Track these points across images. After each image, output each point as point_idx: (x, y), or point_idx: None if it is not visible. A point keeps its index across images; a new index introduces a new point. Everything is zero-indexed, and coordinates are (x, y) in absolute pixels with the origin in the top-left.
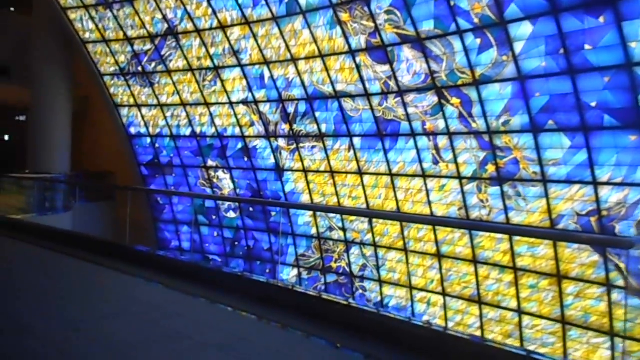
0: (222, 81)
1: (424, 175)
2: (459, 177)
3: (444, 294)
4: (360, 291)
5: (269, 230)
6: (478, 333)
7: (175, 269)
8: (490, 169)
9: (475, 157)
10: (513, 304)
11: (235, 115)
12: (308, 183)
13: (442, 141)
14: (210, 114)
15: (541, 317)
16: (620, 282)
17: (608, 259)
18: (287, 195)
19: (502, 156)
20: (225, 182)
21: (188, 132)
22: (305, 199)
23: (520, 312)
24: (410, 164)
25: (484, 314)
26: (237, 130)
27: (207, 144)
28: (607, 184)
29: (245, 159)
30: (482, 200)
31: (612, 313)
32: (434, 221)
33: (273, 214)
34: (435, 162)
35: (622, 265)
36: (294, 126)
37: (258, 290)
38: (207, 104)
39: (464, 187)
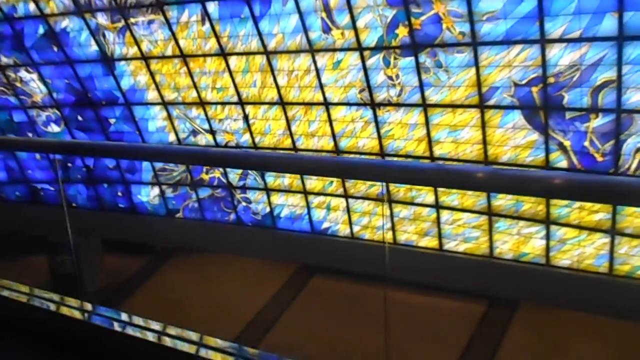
0: None
1: (312, 50)
2: (360, 49)
3: (345, 195)
4: (244, 203)
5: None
6: (389, 235)
7: None
8: (402, 33)
9: (381, 17)
10: (429, 198)
11: None
12: (152, 74)
13: None
14: None
15: (463, 210)
16: (563, 163)
17: (550, 137)
18: (126, 94)
19: (418, 13)
20: (34, 85)
21: None
22: (152, 96)
23: (438, 207)
24: (292, 36)
25: (395, 213)
26: (33, 7)
27: None
28: (560, 40)
29: (55, 48)
30: (390, 77)
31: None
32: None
33: (112, 120)
34: (327, 30)
35: (567, 143)
36: None
37: None
38: None
39: (366, 61)
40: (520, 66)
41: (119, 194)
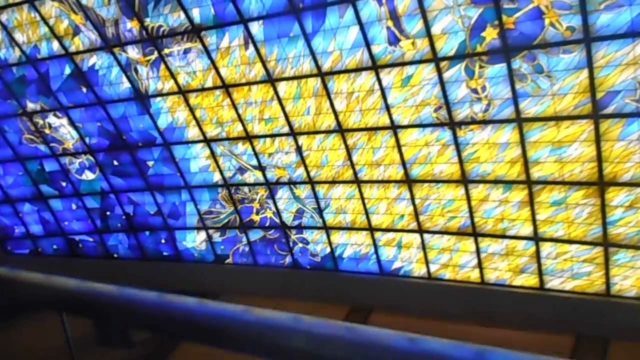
0: None
1: (376, 67)
2: (435, 59)
3: (420, 230)
4: (300, 245)
5: (150, 188)
6: (474, 274)
7: None
8: (490, 35)
9: (463, 19)
10: (525, 230)
11: (45, 21)
12: (191, 109)
13: (403, 3)
14: (4, 27)
15: (570, 241)
16: None
17: None
18: (164, 133)
19: (512, 9)
20: (64, 131)
21: None
22: (193, 133)
23: (537, 239)
24: (352, 52)
25: (482, 249)
26: (56, 46)
27: (15, 76)
28: None
29: (84, 89)
30: (474, 90)
31: None
32: None
33: (150, 163)
34: (394, 41)
35: None
36: (146, 21)
37: None
38: None
39: (443, 73)
40: None
41: (162, 241)
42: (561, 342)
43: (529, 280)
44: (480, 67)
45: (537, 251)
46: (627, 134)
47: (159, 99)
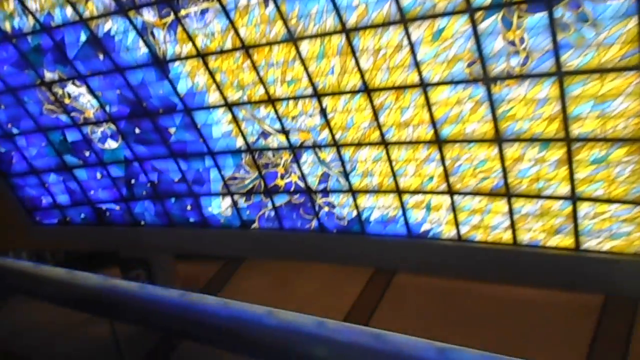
0: None
1: (405, 20)
2: (470, 10)
3: (450, 192)
4: (326, 209)
5: (174, 154)
6: (506, 235)
7: None
8: None
9: None
10: (562, 189)
11: None
12: (211, 73)
13: None
14: None
15: (610, 201)
16: None
17: None
18: (184, 99)
19: None
20: (84, 100)
21: None
22: (214, 98)
23: (575, 198)
24: (378, 5)
25: (515, 210)
26: (70, 12)
27: (30, 46)
28: None
29: (101, 56)
30: (511, 42)
31: None
32: None
33: (172, 130)
34: None
35: None
36: None
37: None
38: None
39: (477, 25)
40: None
41: (188, 207)
42: (591, 302)
43: (565, 241)
44: (519, 16)
45: (574, 211)
46: None
47: (177, 63)
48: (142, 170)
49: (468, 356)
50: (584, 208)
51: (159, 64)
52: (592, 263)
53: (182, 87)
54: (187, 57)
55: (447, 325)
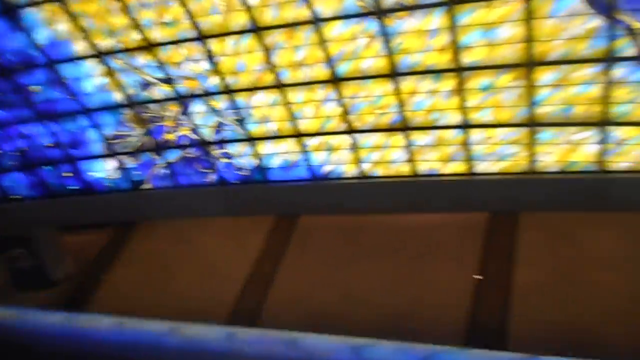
0: None
1: None
2: None
3: (350, 131)
4: (225, 160)
5: (42, 116)
6: (406, 167)
7: None
8: None
9: None
10: (455, 118)
11: None
12: (74, 18)
13: None
14: None
15: (497, 125)
16: (630, 52)
17: (616, 21)
18: (45, 50)
19: None
20: None
21: None
22: (81, 47)
23: (465, 125)
24: None
25: (412, 142)
26: None
27: None
28: None
29: None
30: None
31: (608, 96)
32: None
33: (35, 88)
34: None
35: (638, 26)
36: None
37: None
38: None
39: None
40: None
41: (65, 174)
42: (475, 219)
43: (459, 167)
44: None
45: (466, 138)
46: (558, 10)
47: (31, 9)
48: (6, 138)
49: (381, 351)
50: (474, 134)
51: (9, 11)
52: (483, 185)
53: (41, 36)
54: (43, 1)
55: (354, 261)
